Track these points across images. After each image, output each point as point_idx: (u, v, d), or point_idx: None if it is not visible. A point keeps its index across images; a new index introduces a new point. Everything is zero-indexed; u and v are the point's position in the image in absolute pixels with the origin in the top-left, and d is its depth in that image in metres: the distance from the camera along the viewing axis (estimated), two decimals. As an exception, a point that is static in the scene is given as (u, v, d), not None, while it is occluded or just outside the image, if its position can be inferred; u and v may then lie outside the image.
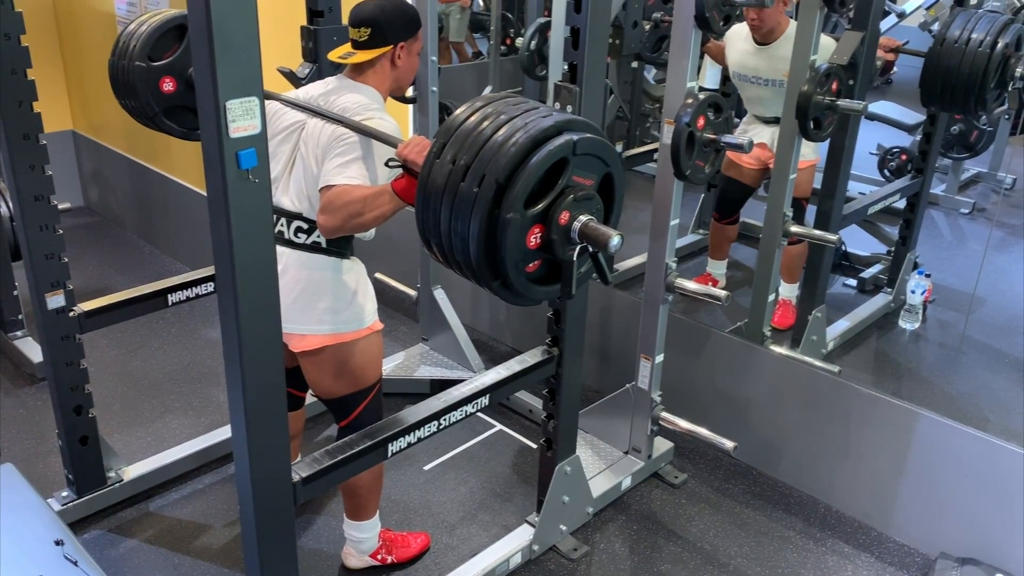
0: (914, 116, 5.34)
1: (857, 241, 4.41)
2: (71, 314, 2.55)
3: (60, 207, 3.48)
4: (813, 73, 2.92)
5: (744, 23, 3.74)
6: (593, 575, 2.64)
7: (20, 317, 3.65)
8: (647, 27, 3.94)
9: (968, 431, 2.63)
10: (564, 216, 1.69)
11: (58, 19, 4.71)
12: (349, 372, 2.31)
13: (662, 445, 3.10)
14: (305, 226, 2.22)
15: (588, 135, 1.68)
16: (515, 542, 2.65)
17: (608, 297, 3.51)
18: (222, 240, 1.63)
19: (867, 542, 2.81)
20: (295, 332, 2.23)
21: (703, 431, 2.82)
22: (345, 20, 2.86)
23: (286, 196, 2.23)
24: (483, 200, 1.61)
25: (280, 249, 2.20)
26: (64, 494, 2.73)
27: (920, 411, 2.73)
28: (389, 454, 2.15)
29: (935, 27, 4.07)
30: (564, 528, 2.74)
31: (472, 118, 1.70)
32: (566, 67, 2.24)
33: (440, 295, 3.51)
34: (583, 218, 1.70)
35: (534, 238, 1.69)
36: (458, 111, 1.74)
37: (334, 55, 2.30)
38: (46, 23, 4.69)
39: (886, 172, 5.26)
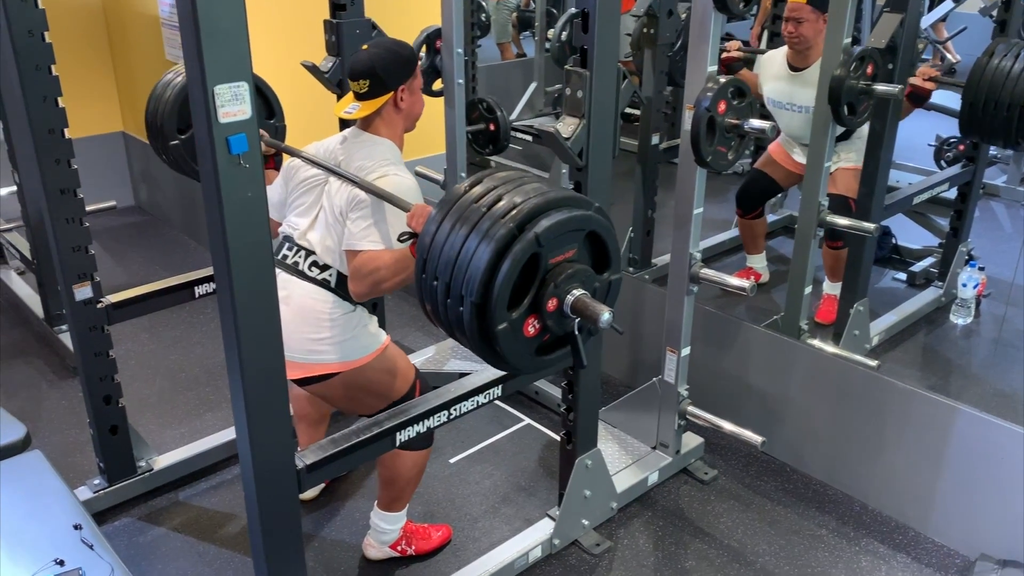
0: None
1: (910, 234, 4.26)
2: (99, 305, 2.60)
3: (104, 205, 3.59)
4: (846, 56, 2.82)
5: (778, 50, 3.68)
6: (615, 570, 2.60)
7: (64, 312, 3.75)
8: (683, 17, 3.87)
9: (1010, 427, 2.51)
10: (552, 303, 1.71)
11: (108, 23, 4.85)
12: (374, 392, 2.34)
13: (692, 441, 3.04)
14: (320, 262, 2.29)
15: (553, 219, 1.65)
16: (535, 536, 2.62)
17: (639, 291, 3.45)
18: (216, 225, 1.64)
19: (904, 542, 2.70)
20: (294, 360, 2.22)
21: (729, 425, 2.75)
22: (367, 13, 2.89)
23: (308, 238, 2.33)
24: (469, 317, 1.65)
25: (287, 277, 2.30)
26: (96, 482, 2.79)
27: (960, 407, 2.61)
28: (397, 443, 2.15)
29: (995, 12, 3.89)
30: (586, 523, 2.70)
31: (444, 224, 1.71)
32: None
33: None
34: (576, 292, 1.71)
35: (531, 327, 1.73)
36: (440, 207, 1.76)
37: (338, 109, 2.37)
38: (96, 27, 4.83)
39: (943, 163, 5.07)
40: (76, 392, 3.45)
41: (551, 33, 4.24)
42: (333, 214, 2.27)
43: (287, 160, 2.46)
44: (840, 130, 3.51)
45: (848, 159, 3.59)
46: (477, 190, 1.72)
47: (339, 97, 2.98)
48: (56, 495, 2.22)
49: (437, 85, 3.40)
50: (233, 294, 1.67)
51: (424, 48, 3.39)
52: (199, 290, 2.84)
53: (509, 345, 1.69)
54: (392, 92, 2.30)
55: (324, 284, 2.29)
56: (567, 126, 2.23)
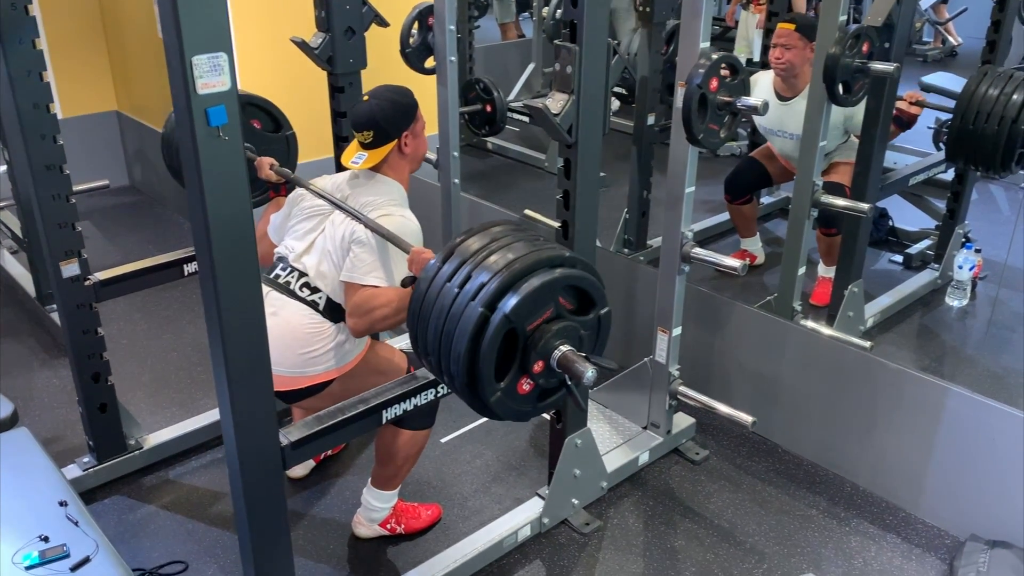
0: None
1: (907, 216, 4.24)
2: (86, 283, 2.59)
3: (97, 184, 3.58)
4: (841, 34, 2.79)
5: (765, 73, 3.67)
6: (604, 550, 2.59)
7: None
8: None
9: (1001, 408, 2.50)
10: (538, 365, 1.74)
11: (101, 2, 4.81)
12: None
13: (683, 421, 3.03)
14: (312, 284, 2.37)
15: (522, 292, 1.67)
16: (525, 514, 2.62)
17: (633, 271, 3.44)
18: (196, 198, 1.62)
19: (894, 523, 2.70)
20: (283, 374, 2.28)
21: (720, 406, 2.74)
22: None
23: (303, 261, 2.40)
24: (463, 391, 1.75)
25: (277, 295, 2.37)
26: (85, 460, 2.79)
27: (951, 387, 2.60)
28: (383, 420, 2.14)
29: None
30: (576, 502, 2.70)
31: (425, 303, 1.78)
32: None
33: (463, 269, 3.48)
34: (561, 349, 1.74)
35: (524, 386, 1.77)
36: (424, 278, 1.81)
37: (345, 159, 2.43)
38: (90, 7, 4.79)
39: (941, 145, 5.03)
40: (67, 371, 3.41)
41: (546, 11, 4.20)
42: (334, 242, 2.34)
43: (297, 188, 2.55)
44: (839, 141, 3.55)
45: (845, 156, 3.59)
46: (450, 265, 1.77)
47: (329, 73, 2.96)
48: (42, 472, 2.21)
49: (429, 63, 3.38)
50: (214, 268, 1.66)
51: (416, 24, 3.37)
52: (188, 268, 2.82)
53: (506, 409, 1.76)
54: (396, 140, 2.39)
55: (313, 305, 2.36)
56: (556, 102, 2.21)
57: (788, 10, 4.56)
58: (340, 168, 3.13)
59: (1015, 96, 3.03)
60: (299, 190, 2.52)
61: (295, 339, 2.32)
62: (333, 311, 2.36)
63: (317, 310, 2.35)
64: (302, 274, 2.38)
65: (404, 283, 2.15)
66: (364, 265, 2.27)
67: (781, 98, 3.65)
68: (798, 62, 3.51)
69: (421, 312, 1.79)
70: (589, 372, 1.71)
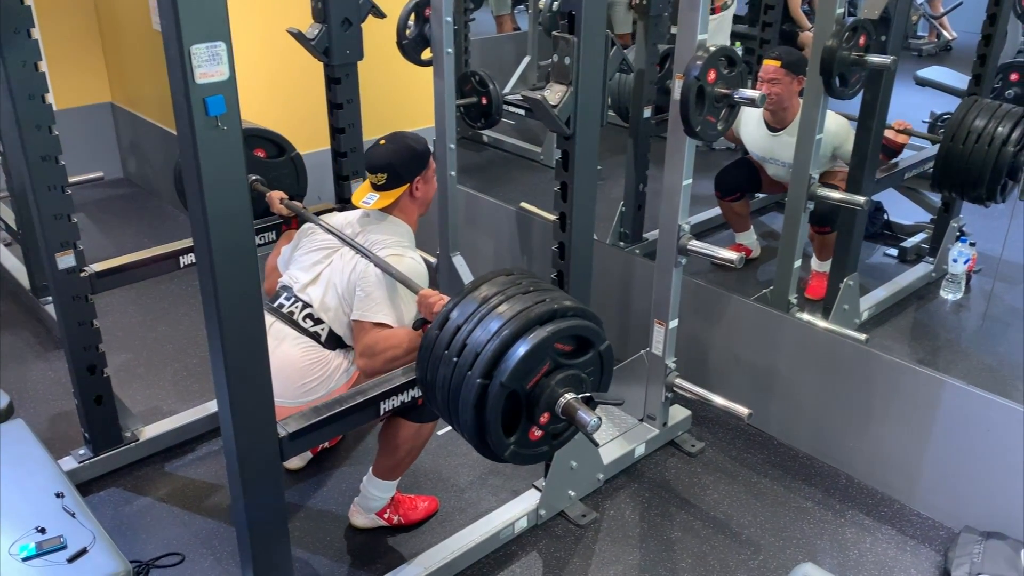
0: (967, 80, 5.11)
1: (901, 210, 4.25)
2: (82, 274, 2.58)
3: (91, 176, 3.57)
4: (838, 27, 2.80)
5: None
6: (601, 541, 2.60)
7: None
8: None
9: (996, 400, 2.51)
10: (545, 416, 1.79)
11: (95, -7, 4.79)
12: None
13: (679, 413, 3.04)
14: (315, 316, 2.43)
15: (515, 355, 1.72)
16: (521, 506, 2.62)
17: (629, 264, 3.44)
18: (194, 189, 1.62)
19: (889, 515, 2.71)
20: (286, 405, 2.29)
21: (716, 398, 2.75)
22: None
23: (308, 292, 2.46)
24: (478, 449, 1.83)
25: (280, 325, 2.42)
26: (81, 452, 2.78)
27: (946, 379, 2.61)
28: (380, 412, 2.14)
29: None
30: (572, 494, 2.70)
31: (428, 370, 1.86)
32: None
33: (459, 262, 3.48)
34: (566, 397, 1.79)
35: (536, 432, 1.83)
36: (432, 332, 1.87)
37: (357, 199, 2.49)
38: (84, -2, 4.78)
39: (936, 140, 5.04)
40: (63, 363, 3.40)
41: (543, 3, 4.19)
42: (342, 276, 2.39)
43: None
44: (826, 168, 3.59)
45: (838, 165, 3.61)
46: (447, 332, 1.82)
47: (325, 65, 2.96)
48: (38, 464, 2.21)
49: (426, 55, 3.37)
50: (212, 259, 1.65)
51: (413, 16, 3.36)
52: (184, 260, 2.82)
53: (522, 457, 1.83)
54: (408, 184, 2.46)
55: (315, 337, 2.42)
56: (554, 93, 2.21)
57: (784, 9, 4.56)
58: (336, 157, 3.13)
59: (1000, 128, 3.09)
60: (310, 224, 2.56)
61: (295, 371, 2.37)
62: (335, 343, 2.41)
63: (318, 341, 2.40)
64: (306, 305, 2.43)
65: (415, 325, 2.21)
66: (374, 304, 2.32)
67: (771, 129, 3.66)
68: (786, 96, 3.52)
69: (427, 379, 1.86)
70: (592, 421, 1.76)
